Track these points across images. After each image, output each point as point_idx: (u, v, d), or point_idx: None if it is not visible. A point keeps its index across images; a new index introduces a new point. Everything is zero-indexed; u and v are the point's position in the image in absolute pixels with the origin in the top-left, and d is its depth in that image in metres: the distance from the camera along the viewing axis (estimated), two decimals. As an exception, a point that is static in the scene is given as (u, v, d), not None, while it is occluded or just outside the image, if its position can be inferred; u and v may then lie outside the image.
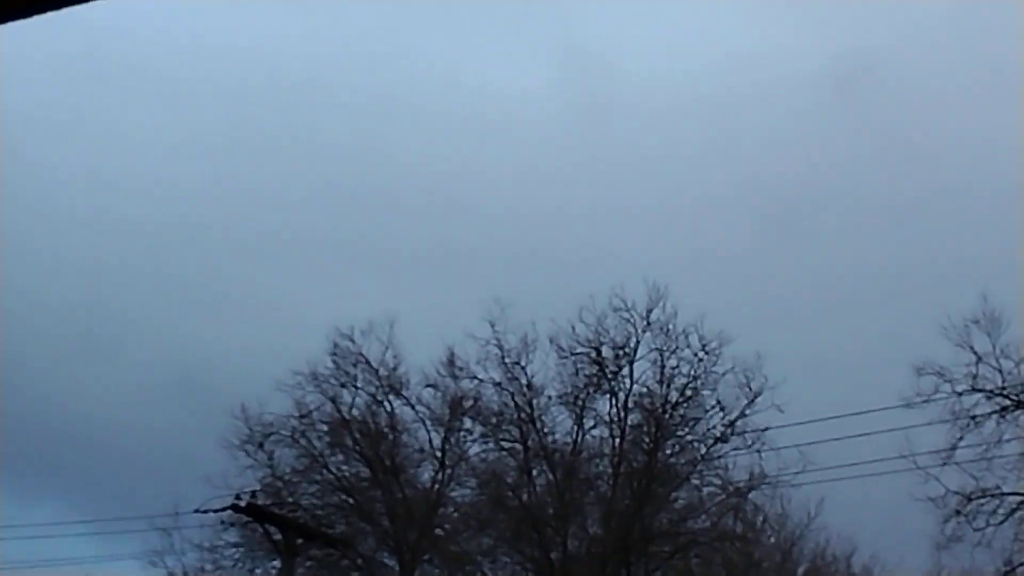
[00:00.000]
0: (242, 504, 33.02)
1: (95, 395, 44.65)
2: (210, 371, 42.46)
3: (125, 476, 41.59)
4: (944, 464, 32.44)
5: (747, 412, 35.66)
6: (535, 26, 47.28)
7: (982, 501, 32.61)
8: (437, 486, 37.25)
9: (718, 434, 36.09)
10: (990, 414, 32.69)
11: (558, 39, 48.73)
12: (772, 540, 41.55)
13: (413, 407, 37.46)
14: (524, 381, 36.83)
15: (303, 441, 37.07)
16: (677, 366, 36.51)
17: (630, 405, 36.63)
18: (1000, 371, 32.65)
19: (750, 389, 35.59)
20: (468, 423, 37.57)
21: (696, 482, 36.79)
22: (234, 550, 36.66)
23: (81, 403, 44.04)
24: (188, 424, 41.55)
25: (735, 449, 35.86)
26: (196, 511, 33.84)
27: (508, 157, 44.09)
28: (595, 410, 36.83)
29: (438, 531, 37.45)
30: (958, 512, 32.52)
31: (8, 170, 46.65)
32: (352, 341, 37.16)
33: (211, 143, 46.02)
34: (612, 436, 36.75)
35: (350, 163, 44.67)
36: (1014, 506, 32.76)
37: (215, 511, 33.75)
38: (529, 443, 36.71)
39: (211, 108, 46.95)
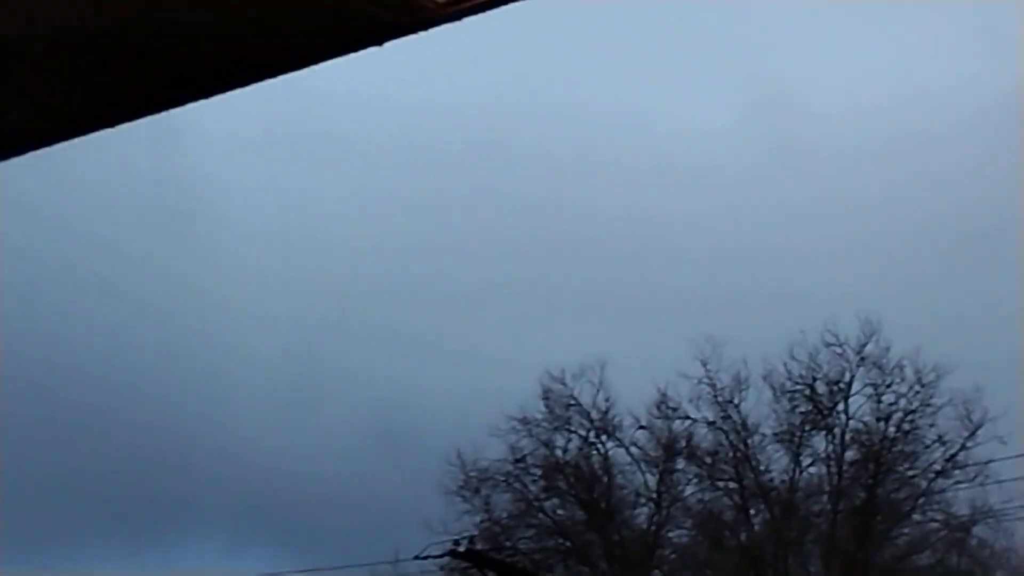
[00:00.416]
0: (461, 550, 33.35)
1: (304, 444, 45.54)
2: (422, 419, 42.97)
3: (339, 523, 42.19)
4: None
5: (968, 445, 35.03)
6: (723, 66, 47.16)
7: None
8: (654, 527, 37.17)
9: (939, 468, 35.47)
10: None
11: (746, 78, 48.49)
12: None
13: (627, 449, 37.49)
14: (738, 419, 36.64)
15: (518, 485, 37.32)
16: (895, 401, 36.05)
17: (847, 441, 36.19)
18: None
19: (971, 421, 35.00)
20: (682, 463, 37.47)
21: (918, 517, 36.17)
22: (455, 595, 36.93)
23: (290, 451, 44.94)
24: (400, 472, 42.08)
25: (957, 483, 35.22)
26: (416, 557, 34.30)
27: (703, 198, 43.96)
28: (811, 447, 36.47)
29: (656, 572, 37.35)
30: None
31: (217, 234, 47.86)
32: (563, 384, 37.37)
33: (410, 200, 46.74)
34: (830, 472, 36.31)
35: (548, 213, 44.91)
36: None
37: (435, 557, 34.14)
38: (745, 482, 36.43)
39: (408, 166, 47.71)
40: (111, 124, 3.77)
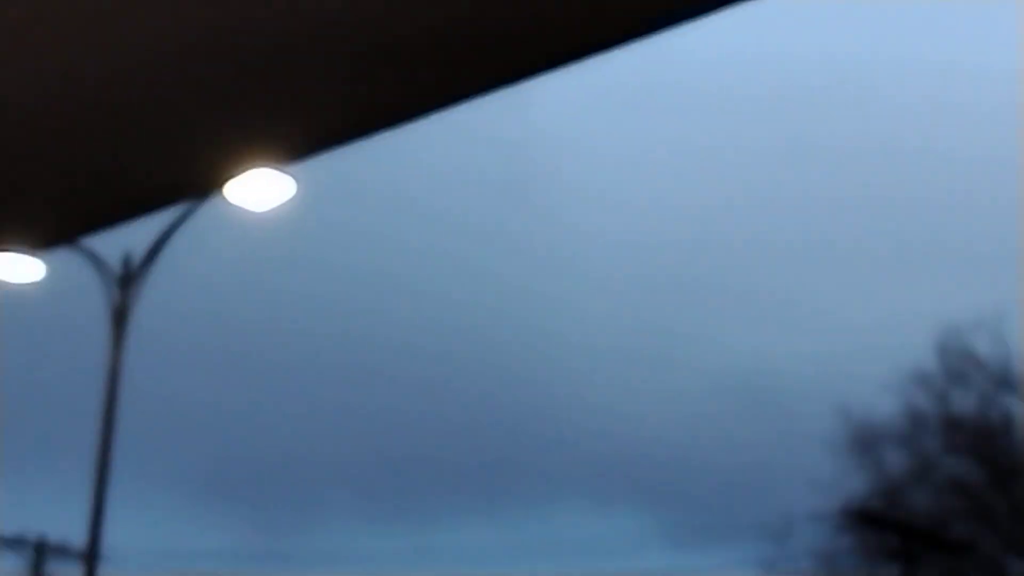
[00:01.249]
0: (855, 510, 32.41)
1: (661, 406, 45.10)
2: (794, 378, 41.93)
3: (712, 484, 41.55)
4: None
5: None
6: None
7: None
8: (1062, 486, 35.13)
9: None
10: None
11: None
12: None
13: (1029, 403, 35.58)
14: None
15: (913, 443, 35.88)
16: None
17: None
18: None
19: None
20: (1090, 418, 35.30)
21: None
22: (850, 556, 35.84)
23: (647, 415, 44.58)
24: (776, 431, 41.11)
25: None
26: (808, 517, 33.51)
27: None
28: None
29: (1068, 534, 35.30)
30: None
31: (562, 198, 47.69)
32: (960, 339, 35.71)
33: (759, 153, 45.54)
34: None
35: (921, 165, 43.06)
36: None
37: (827, 517, 33.31)
38: None
39: (753, 119, 46.48)
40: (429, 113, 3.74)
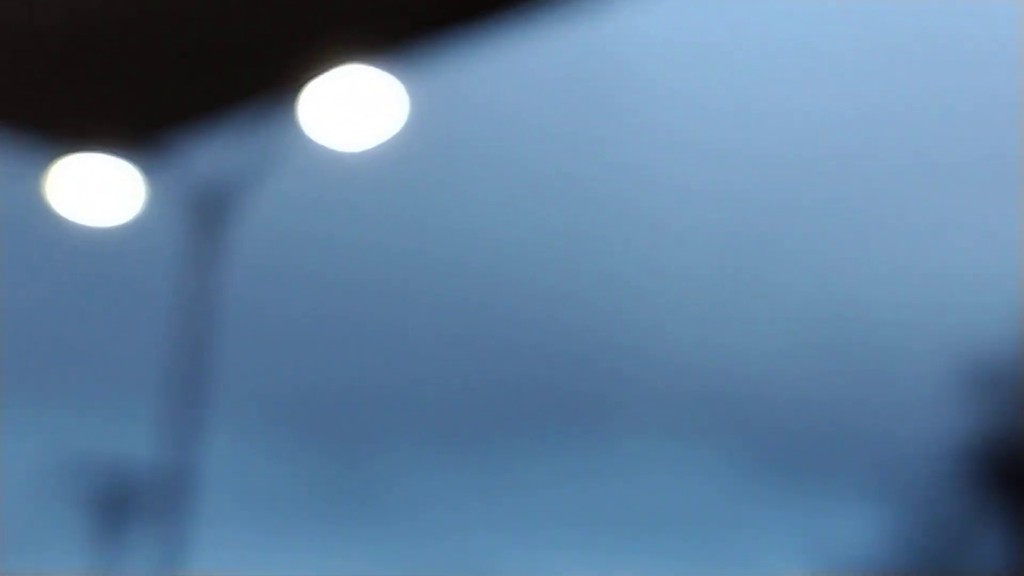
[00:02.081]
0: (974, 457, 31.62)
1: (750, 339, 44.42)
2: (910, 312, 41.02)
3: (810, 423, 40.82)
4: None
5: None
6: None
7: None
8: None
9: None
10: None
11: None
12: None
13: None
14: None
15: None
16: None
17: None
18: None
19: None
20: None
21: None
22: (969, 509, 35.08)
23: (739, 348, 43.99)
24: (878, 372, 40.32)
25: None
26: (918, 459, 32.75)
27: None
28: None
29: None
30: None
31: (649, 105, 46.72)
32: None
33: (903, 60, 44.16)
34: None
35: None
36: None
37: (942, 465, 32.61)
38: None
39: (865, 19, 45.02)
40: None
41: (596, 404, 43.11)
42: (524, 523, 36.01)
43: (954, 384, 33.19)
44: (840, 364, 41.14)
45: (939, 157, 41.58)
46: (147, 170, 19.93)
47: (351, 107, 16.59)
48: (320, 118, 16.50)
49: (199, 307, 20.90)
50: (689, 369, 42.43)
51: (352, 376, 42.08)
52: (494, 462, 42.06)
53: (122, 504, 36.05)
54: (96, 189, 19.58)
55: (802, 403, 41.66)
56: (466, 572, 39.04)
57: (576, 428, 44.24)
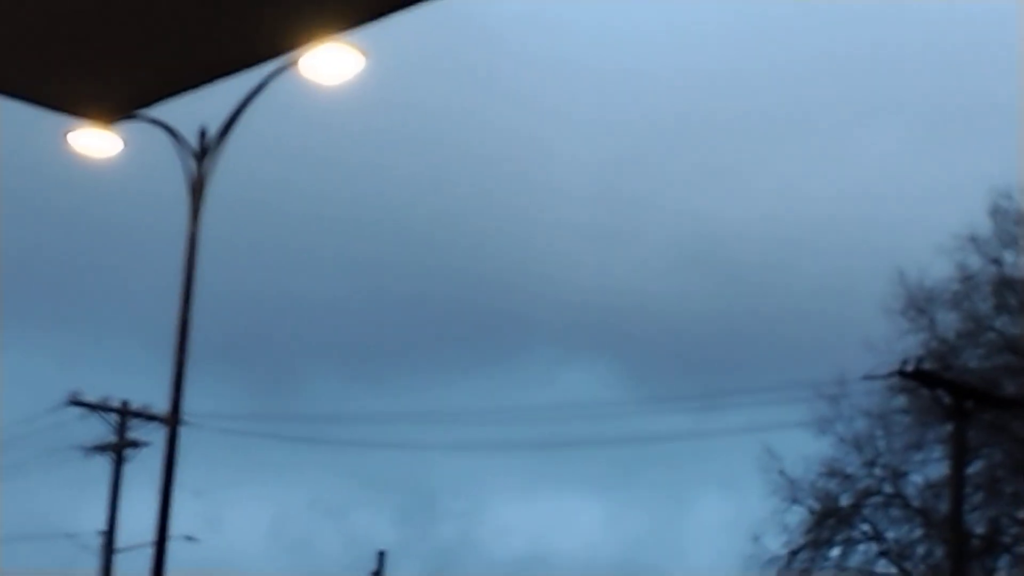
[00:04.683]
0: (909, 370, 33.06)
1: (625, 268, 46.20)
2: (862, 240, 42.53)
3: (785, 346, 42.40)
4: None
5: None
6: None
7: None
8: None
9: None
10: None
11: None
12: None
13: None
14: None
15: (966, 304, 36.59)
16: None
17: None
18: None
19: None
20: None
21: None
22: (903, 416, 36.75)
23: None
24: (837, 292, 41.86)
25: None
26: (864, 378, 34.25)
27: None
28: None
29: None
30: None
31: (525, 74, 47.70)
32: (1012, 200, 36.26)
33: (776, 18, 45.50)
34: None
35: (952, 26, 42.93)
36: None
37: (882, 377, 34.03)
38: None
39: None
40: None
41: (502, 321, 45.16)
42: (450, 439, 37.60)
43: (895, 307, 35.05)
44: (736, 280, 42.78)
45: (878, 105, 43.22)
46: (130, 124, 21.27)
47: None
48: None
49: (191, 250, 22.39)
50: (582, 287, 44.34)
51: (284, 305, 43.85)
52: (415, 380, 43.76)
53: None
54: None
55: (688, 315, 43.56)
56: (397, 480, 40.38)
57: (483, 344, 46.05)
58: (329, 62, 20.78)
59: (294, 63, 20.63)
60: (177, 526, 24.94)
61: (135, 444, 39.84)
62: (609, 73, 46.39)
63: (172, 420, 22.63)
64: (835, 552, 37.16)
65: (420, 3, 3.88)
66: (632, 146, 47.44)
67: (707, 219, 43.93)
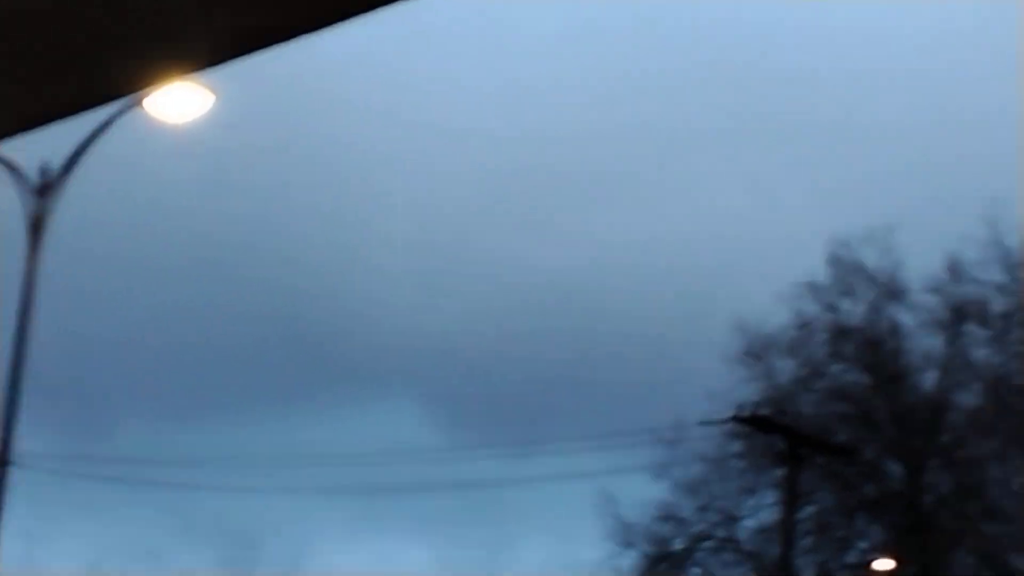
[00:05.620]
0: (745, 416, 33.73)
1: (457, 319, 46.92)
2: (705, 289, 43.25)
3: (624, 393, 42.85)
4: None
5: None
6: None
7: None
8: (941, 392, 36.81)
9: None
10: None
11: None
12: None
13: (914, 313, 37.16)
14: (1028, 282, 35.91)
15: (803, 351, 37.35)
16: None
17: None
18: None
19: None
20: (971, 327, 36.92)
21: None
22: (738, 461, 37.36)
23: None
24: (680, 341, 42.43)
25: None
26: (700, 424, 34.81)
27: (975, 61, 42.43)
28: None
29: (943, 437, 37.00)
30: None
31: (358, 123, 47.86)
32: (850, 250, 37.08)
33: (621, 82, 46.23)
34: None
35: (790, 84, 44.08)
36: None
37: (718, 423, 34.62)
38: (1036, 345, 35.77)
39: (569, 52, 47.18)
40: None
41: (326, 366, 45.23)
42: (273, 483, 37.45)
43: (733, 354, 35.58)
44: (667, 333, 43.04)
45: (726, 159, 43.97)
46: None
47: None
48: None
49: (28, 288, 22.04)
50: (406, 331, 44.57)
51: (115, 347, 43.48)
52: (238, 422, 43.54)
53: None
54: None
55: (513, 362, 44.00)
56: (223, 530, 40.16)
57: (307, 388, 46.01)
58: (176, 100, 20.76)
59: (141, 100, 20.55)
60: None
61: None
62: (444, 128, 46.82)
63: (1, 460, 22.22)
64: (669, 595, 37.63)
65: (266, 48, 3.94)
66: (457, 196, 47.98)
67: (535, 268, 44.47)
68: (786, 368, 37.44)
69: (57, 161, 23.41)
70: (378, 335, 46.70)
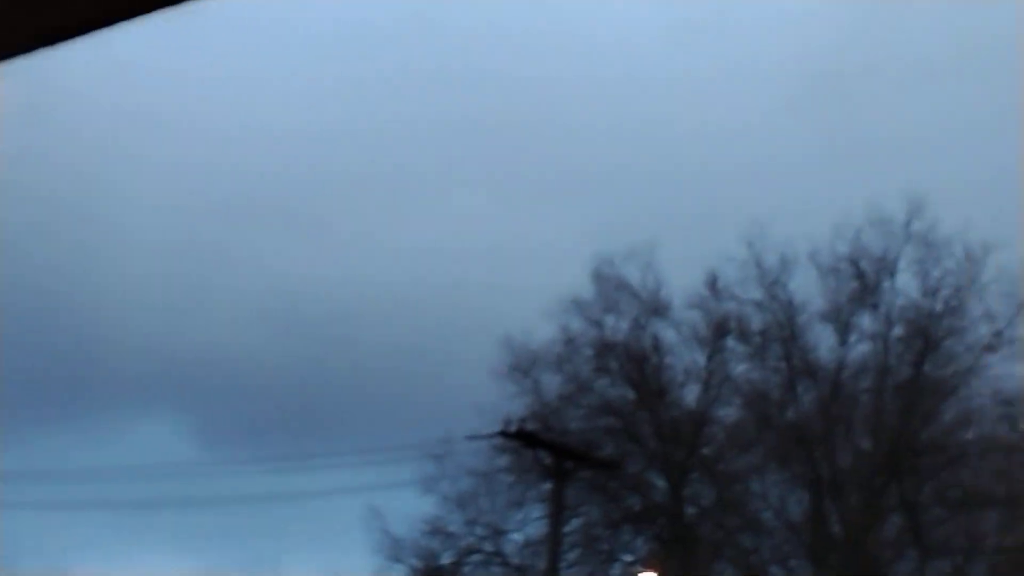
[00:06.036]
0: (511, 430, 34.01)
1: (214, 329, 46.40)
2: (472, 305, 43.37)
3: (386, 408, 42.77)
4: None
5: (1015, 320, 35.12)
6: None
7: None
8: (702, 406, 37.58)
9: (986, 344, 35.56)
10: None
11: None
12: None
13: (676, 329, 37.87)
14: (785, 299, 36.87)
15: (568, 366, 37.78)
16: (942, 277, 36.14)
17: (893, 318, 36.36)
18: None
19: (1018, 297, 35.00)
20: (731, 343, 37.80)
21: (965, 393, 36.31)
22: (506, 475, 37.59)
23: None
24: (450, 356, 42.53)
25: (1004, 358, 35.34)
26: (467, 438, 34.97)
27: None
28: (858, 325, 36.67)
29: (705, 451, 37.79)
30: None
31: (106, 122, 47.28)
32: (614, 267, 37.63)
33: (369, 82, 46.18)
34: (876, 350, 36.47)
35: (553, 94, 44.52)
36: None
37: (485, 437, 34.83)
38: (792, 360, 36.72)
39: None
40: None
41: (80, 377, 44.17)
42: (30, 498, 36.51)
43: (500, 370, 35.78)
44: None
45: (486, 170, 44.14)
46: None
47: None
48: None
49: None
50: (159, 340, 43.83)
51: None
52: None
53: None
54: None
55: (271, 373, 43.61)
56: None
57: (62, 401, 44.92)
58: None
59: None
60: None
61: None
62: (201, 127, 46.03)
63: None
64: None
65: (37, 49, 3.55)
66: (211, 198, 47.18)
67: (303, 277, 44.02)
68: (552, 383, 37.86)
69: None
70: (135, 343, 45.69)
